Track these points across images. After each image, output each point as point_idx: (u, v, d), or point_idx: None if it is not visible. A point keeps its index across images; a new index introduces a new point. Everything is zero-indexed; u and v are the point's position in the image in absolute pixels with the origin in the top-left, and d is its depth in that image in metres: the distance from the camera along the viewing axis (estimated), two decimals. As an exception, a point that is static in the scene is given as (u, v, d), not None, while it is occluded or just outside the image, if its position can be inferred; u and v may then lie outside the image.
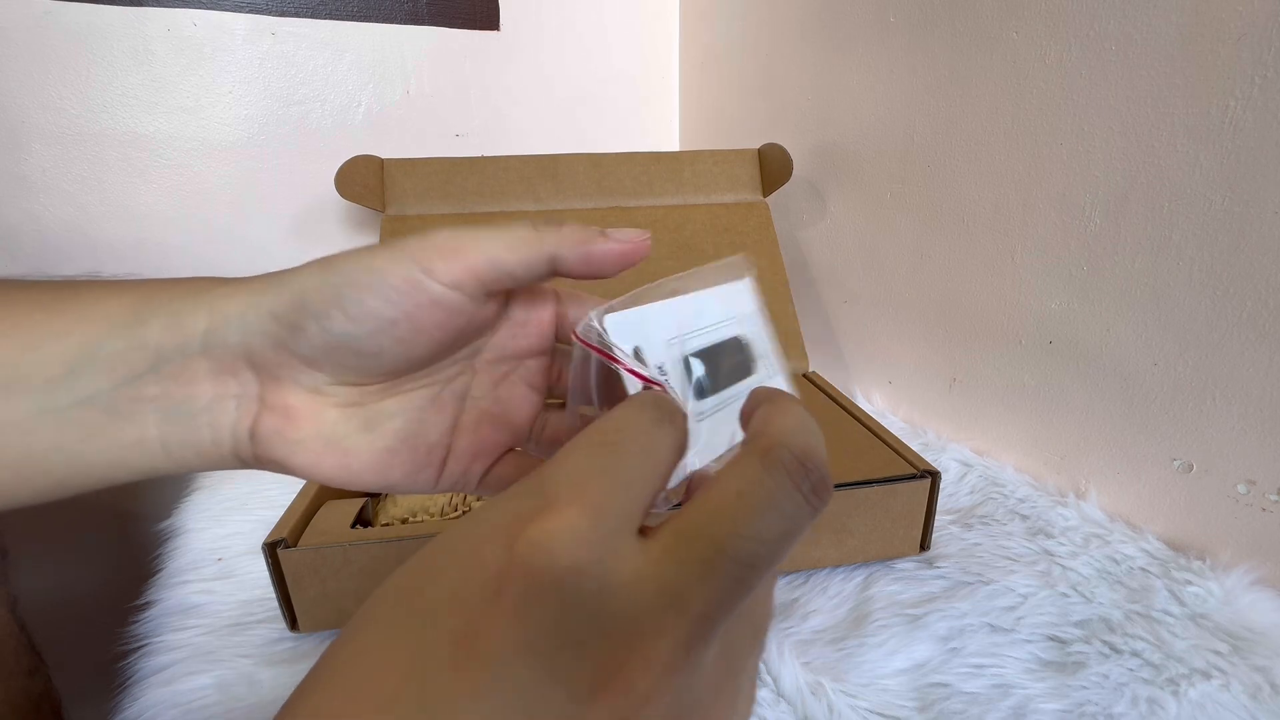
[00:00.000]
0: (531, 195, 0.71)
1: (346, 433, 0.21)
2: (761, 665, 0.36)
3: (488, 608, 0.13)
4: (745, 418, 0.19)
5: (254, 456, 0.21)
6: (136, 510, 0.83)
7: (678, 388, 0.23)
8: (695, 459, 0.23)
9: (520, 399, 0.25)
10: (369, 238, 0.85)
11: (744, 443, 0.17)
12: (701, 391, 0.24)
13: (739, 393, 0.25)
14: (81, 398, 0.19)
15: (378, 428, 0.22)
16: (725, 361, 0.25)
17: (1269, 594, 0.40)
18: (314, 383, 0.21)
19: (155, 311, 0.20)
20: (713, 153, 0.74)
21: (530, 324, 0.24)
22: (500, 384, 0.24)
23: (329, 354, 0.20)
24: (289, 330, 0.19)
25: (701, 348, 0.24)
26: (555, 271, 0.21)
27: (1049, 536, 0.47)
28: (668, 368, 0.23)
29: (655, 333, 0.23)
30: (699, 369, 0.24)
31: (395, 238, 0.20)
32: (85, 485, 0.20)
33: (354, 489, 0.23)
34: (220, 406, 0.20)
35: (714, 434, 0.24)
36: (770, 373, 0.27)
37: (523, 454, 0.25)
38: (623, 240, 0.21)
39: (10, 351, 0.19)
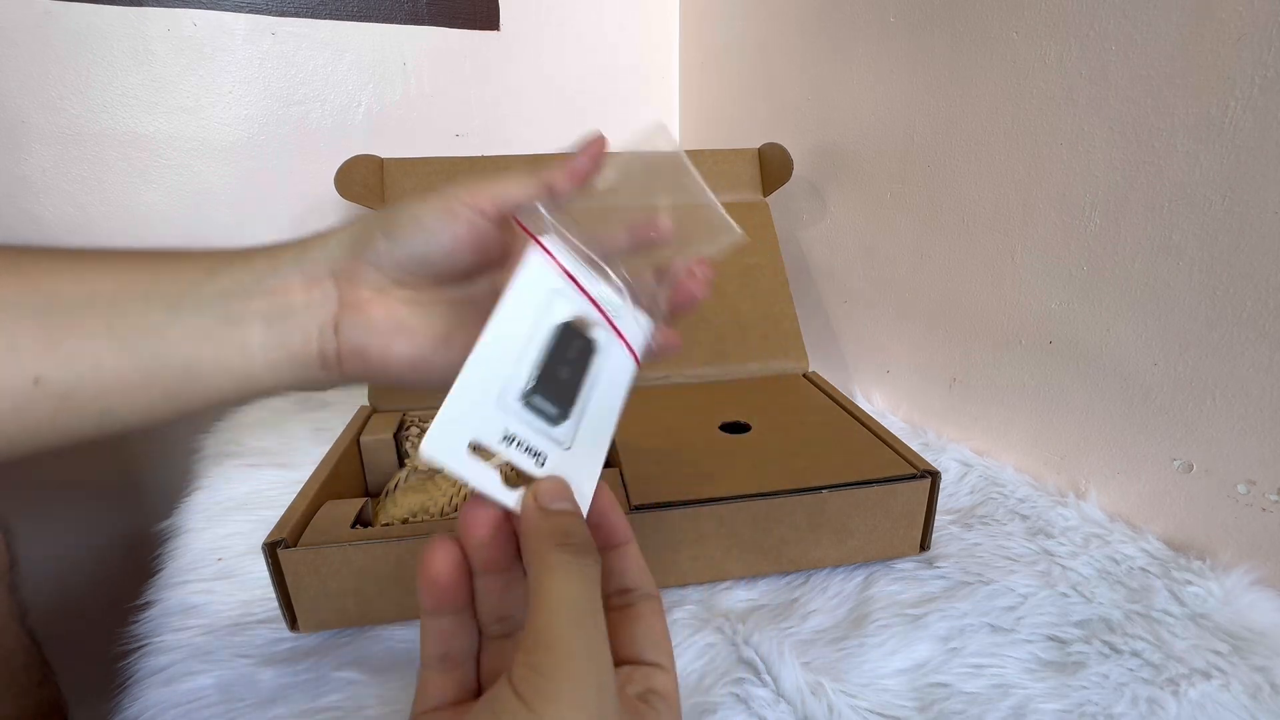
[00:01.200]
0: (531, 195, 0.71)
1: (409, 315, 0.27)
2: (761, 665, 0.36)
3: None
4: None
5: (336, 351, 0.26)
6: (137, 510, 0.83)
7: (536, 438, 0.23)
8: (587, 486, 0.24)
9: None
10: (369, 238, 0.85)
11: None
12: (562, 416, 0.24)
13: (596, 377, 0.25)
14: (198, 306, 0.25)
15: (434, 315, 0.27)
16: (565, 366, 0.24)
17: (1269, 594, 0.40)
18: (379, 283, 0.26)
19: (259, 251, 0.26)
20: (713, 152, 0.74)
21: None
22: None
23: (392, 260, 0.26)
24: (363, 245, 0.26)
25: (535, 376, 0.23)
26: (553, 193, 0.26)
27: (1049, 536, 0.47)
28: (515, 428, 0.23)
29: (483, 407, 0.22)
30: (544, 402, 0.23)
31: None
32: (190, 393, 0.25)
33: (421, 375, 0.27)
34: (309, 311, 0.26)
35: (592, 443, 0.24)
36: (607, 332, 0.26)
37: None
38: (585, 147, 0.26)
39: (153, 275, 0.25)
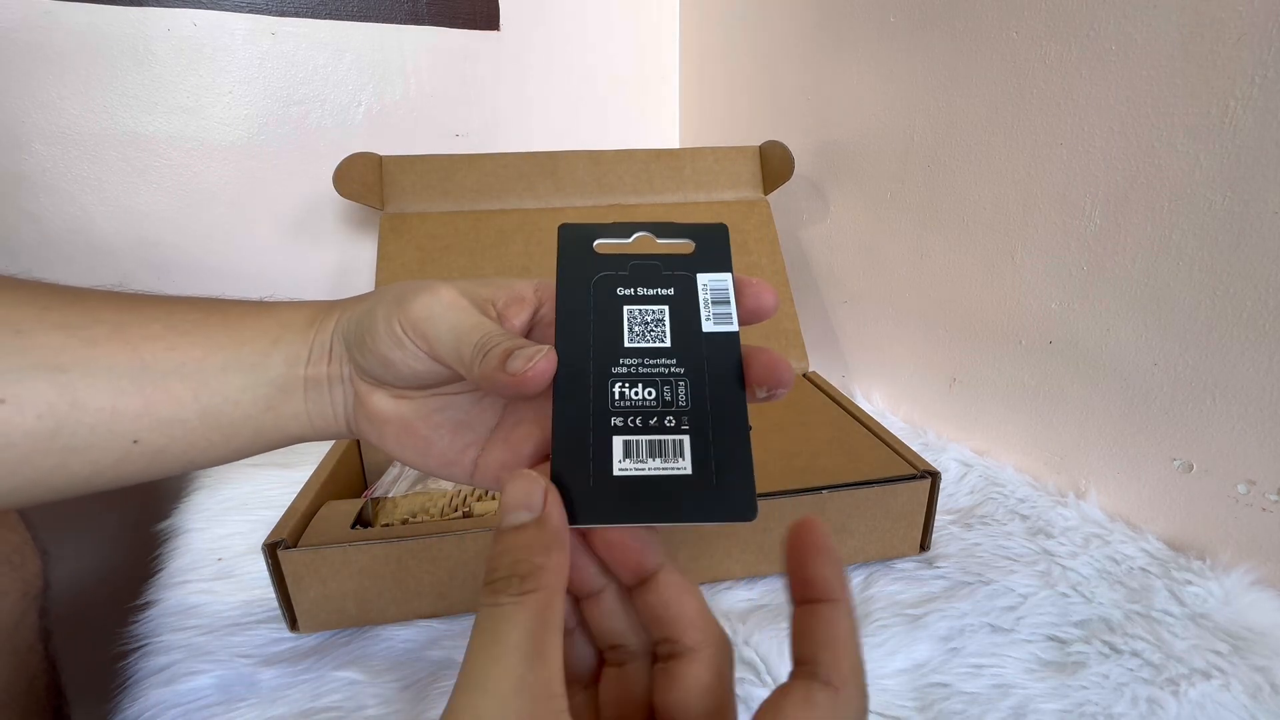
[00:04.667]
0: (531, 193, 0.71)
1: (398, 417, 0.27)
2: (761, 665, 0.36)
3: None
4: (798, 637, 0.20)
5: (355, 428, 0.28)
6: (136, 510, 0.83)
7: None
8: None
9: None
10: (369, 237, 0.85)
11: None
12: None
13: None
14: (267, 379, 0.27)
15: (426, 418, 0.27)
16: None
17: (1269, 594, 0.40)
18: (369, 379, 0.27)
19: (317, 316, 0.28)
20: (714, 150, 0.74)
21: None
22: None
23: (370, 370, 0.26)
24: (349, 349, 0.27)
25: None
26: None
27: (1049, 536, 0.47)
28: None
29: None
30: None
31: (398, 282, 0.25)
32: (257, 447, 0.28)
33: (409, 465, 0.28)
34: (336, 388, 0.27)
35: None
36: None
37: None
38: (514, 372, 0.22)
39: (233, 342, 0.27)
